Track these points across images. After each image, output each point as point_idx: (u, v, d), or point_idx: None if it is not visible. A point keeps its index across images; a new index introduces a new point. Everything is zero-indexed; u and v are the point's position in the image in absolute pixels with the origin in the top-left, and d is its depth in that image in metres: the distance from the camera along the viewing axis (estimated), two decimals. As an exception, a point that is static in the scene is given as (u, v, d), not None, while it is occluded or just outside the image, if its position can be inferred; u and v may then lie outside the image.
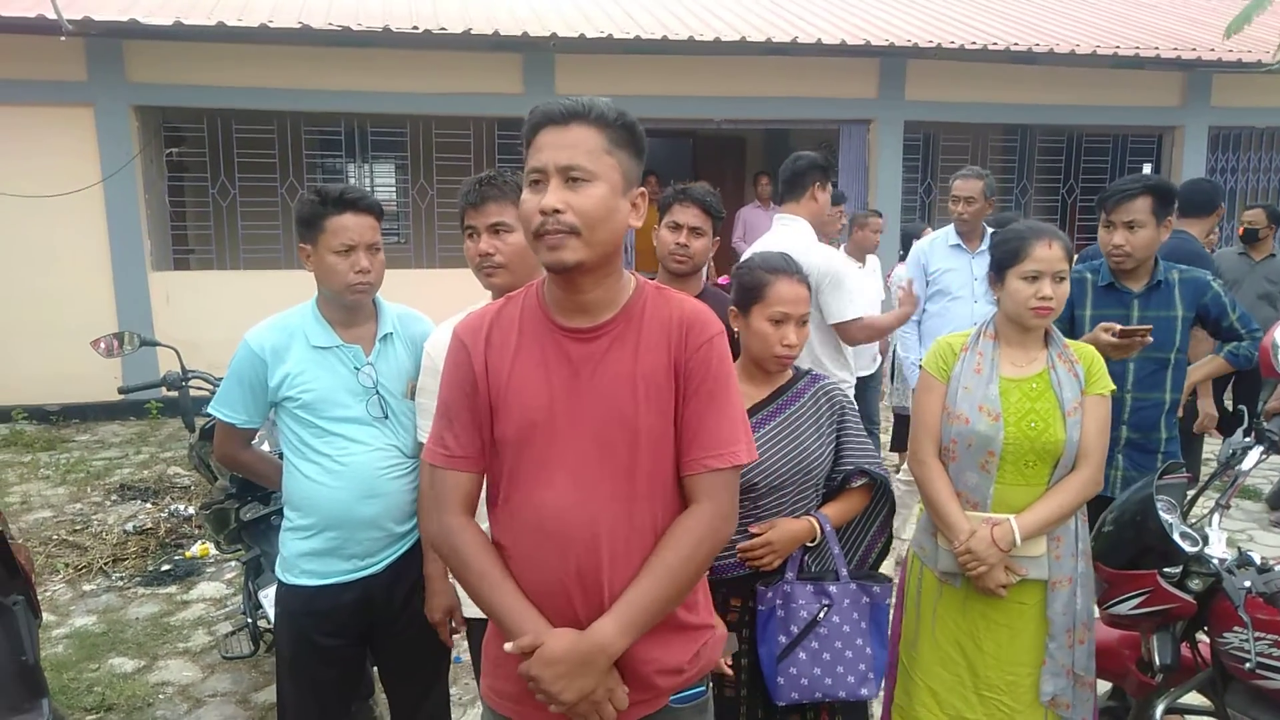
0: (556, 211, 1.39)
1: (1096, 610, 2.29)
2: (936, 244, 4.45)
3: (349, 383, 2.15)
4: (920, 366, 2.42)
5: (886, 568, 2.50)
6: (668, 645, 1.55)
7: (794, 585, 2.15)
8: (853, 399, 2.32)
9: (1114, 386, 2.33)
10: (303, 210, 2.15)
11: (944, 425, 2.29)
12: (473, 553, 1.50)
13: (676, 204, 2.76)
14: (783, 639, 2.13)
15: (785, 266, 2.18)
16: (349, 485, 2.13)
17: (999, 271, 2.31)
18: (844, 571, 2.19)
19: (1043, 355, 2.30)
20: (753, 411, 2.16)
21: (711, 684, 2.17)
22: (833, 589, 2.16)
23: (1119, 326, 2.64)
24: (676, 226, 2.73)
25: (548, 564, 1.48)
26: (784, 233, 3.33)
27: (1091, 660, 2.28)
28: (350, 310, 2.19)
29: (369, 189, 9.85)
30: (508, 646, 1.45)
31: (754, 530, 2.14)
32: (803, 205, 3.39)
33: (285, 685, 2.30)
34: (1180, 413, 2.90)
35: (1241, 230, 5.26)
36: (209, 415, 2.28)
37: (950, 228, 4.43)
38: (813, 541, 2.17)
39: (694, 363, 1.50)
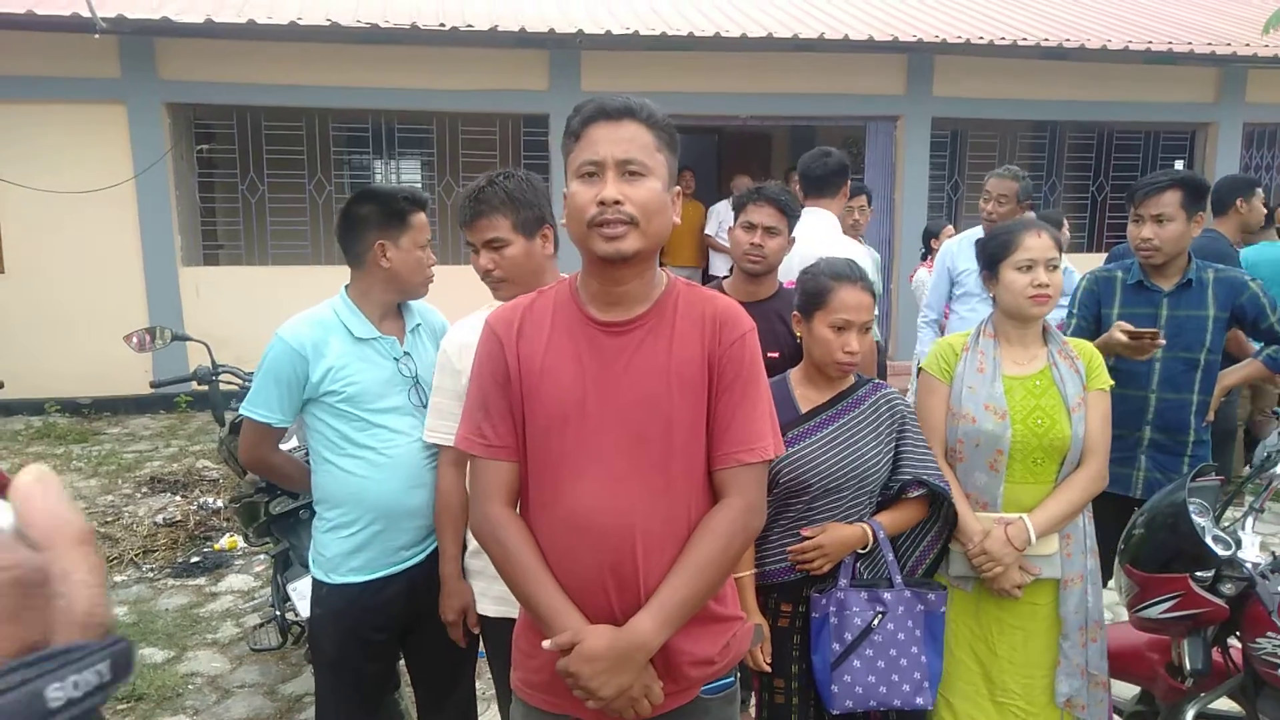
0: (616, 203, 1.41)
1: (1113, 613, 2.26)
2: (964, 244, 4.35)
3: (391, 373, 2.18)
4: (920, 369, 2.40)
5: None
6: (698, 637, 1.56)
7: (847, 592, 2.13)
8: (914, 408, 2.30)
9: (1112, 381, 2.34)
10: (383, 206, 2.19)
11: (949, 426, 2.28)
12: (515, 546, 1.51)
13: (751, 204, 2.74)
14: (836, 646, 2.11)
15: (849, 273, 2.16)
16: (396, 476, 2.15)
17: (992, 267, 2.32)
18: (898, 579, 2.16)
19: (1043, 352, 2.31)
20: (813, 414, 2.16)
21: (762, 689, 2.20)
22: (887, 596, 2.13)
23: (1130, 327, 2.62)
24: (751, 226, 2.71)
25: (582, 559, 1.49)
26: (812, 220, 3.33)
27: (1104, 659, 2.28)
28: (387, 305, 2.23)
29: (396, 184, 9.97)
30: (546, 644, 1.47)
31: (805, 534, 2.12)
32: (835, 202, 3.41)
33: (328, 685, 2.29)
34: (1211, 415, 2.85)
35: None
36: (244, 414, 2.26)
37: (979, 228, 4.34)
38: (864, 548, 2.14)
39: (727, 358, 1.52)
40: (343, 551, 2.18)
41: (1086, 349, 2.35)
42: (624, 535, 1.47)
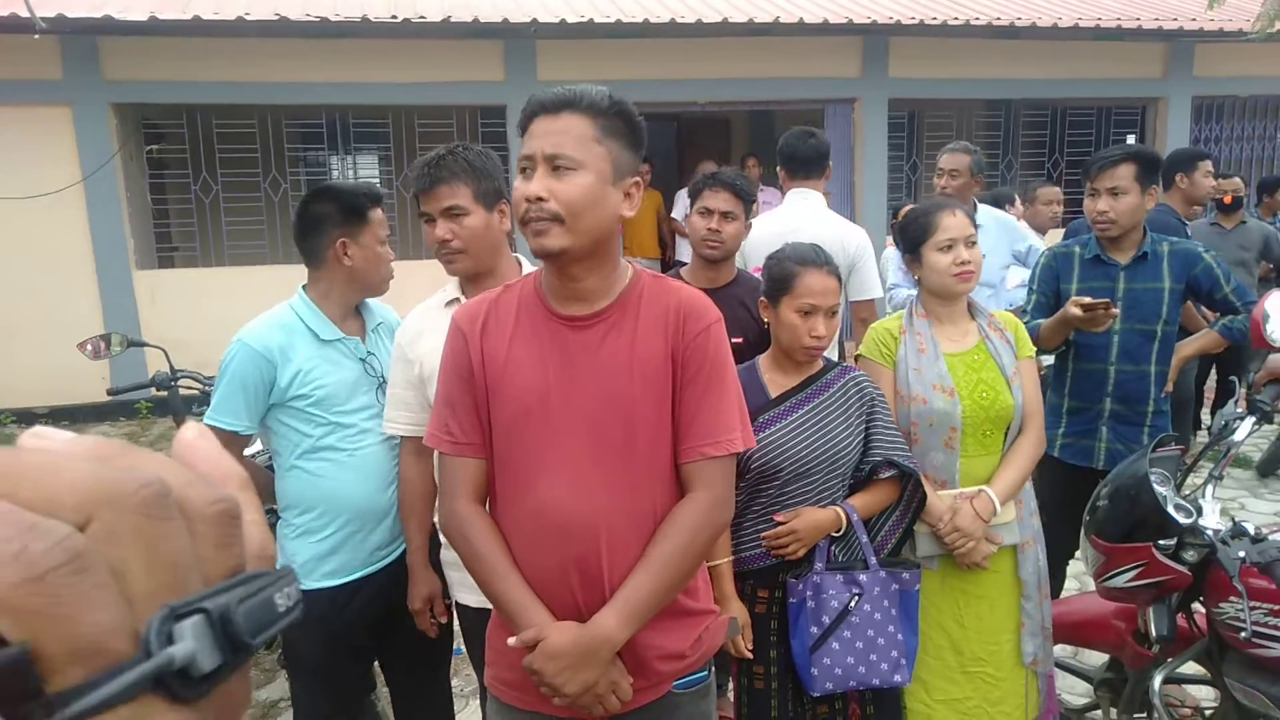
0: (540, 199, 1.40)
1: (1080, 583, 2.31)
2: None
3: (357, 374, 2.16)
4: (860, 356, 2.42)
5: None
6: (668, 631, 1.55)
7: (823, 575, 2.14)
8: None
9: (1034, 350, 2.41)
10: (345, 204, 2.14)
11: (899, 409, 2.31)
12: (482, 542, 1.51)
13: (707, 189, 2.73)
14: (814, 630, 2.12)
15: (815, 258, 2.15)
16: (365, 477, 2.13)
17: (914, 250, 2.36)
18: (873, 560, 2.17)
19: (973, 327, 2.37)
20: (782, 399, 2.17)
21: (741, 675, 2.21)
22: (863, 578, 2.15)
23: (1085, 300, 2.67)
24: (708, 212, 2.70)
25: (546, 554, 1.49)
26: (802, 201, 3.35)
27: (1050, 614, 2.40)
28: (348, 304, 2.20)
29: (353, 180, 9.82)
30: (511, 641, 1.46)
31: (778, 519, 2.13)
32: (821, 183, 3.43)
33: (306, 692, 2.25)
34: (1170, 386, 2.91)
35: (1229, 199, 5.28)
36: (209, 424, 2.20)
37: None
38: (838, 532, 2.16)
39: (691, 350, 1.51)
40: (315, 555, 2.14)
41: (1010, 319, 2.41)
42: (588, 531, 1.46)
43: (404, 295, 2.41)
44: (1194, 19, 8.76)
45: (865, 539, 2.18)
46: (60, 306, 7.28)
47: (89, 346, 3.58)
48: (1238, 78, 9.35)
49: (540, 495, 1.49)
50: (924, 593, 2.30)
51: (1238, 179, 5.53)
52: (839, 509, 2.15)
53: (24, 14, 6.20)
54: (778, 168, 3.50)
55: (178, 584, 0.32)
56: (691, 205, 2.79)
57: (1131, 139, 9.22)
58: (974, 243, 2.30)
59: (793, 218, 3.26)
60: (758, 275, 2.84)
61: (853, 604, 2.12)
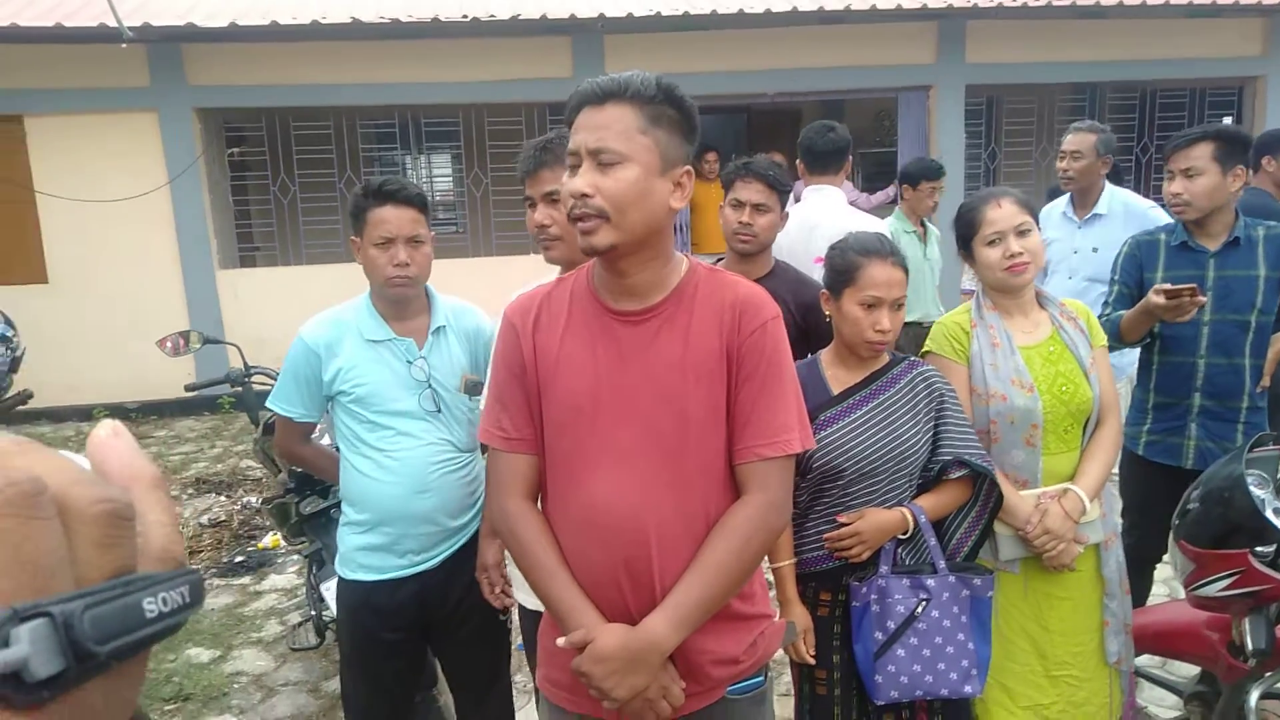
0: (585, 196, 1.36)
1: (1169, 588, 2.17)
2: (1053, 211, 4.01)
3: (402, 376, 2.12)
4: (929, 352, 2.31)
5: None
6: (722, 636, 1.51)
7: (889, 579, 2.05)
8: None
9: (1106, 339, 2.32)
10: (350, 204, 2.16)
11: (977, 407, 2.21)
12: (531, 540, 1.48)
13: (738, 180, 2.65)
14: (879, 635, 2.03)
15: (879, 248, 2.06)
16: (402, 480, 2.11)
17: (966, 247, 2.28)
18: (942, 564, 2.07)
19: (1045, 318, 2.27)
20: (845, 395, 2.08)
21: (803, 680, 2.14)
22: (930, 582, 2.05)
23: (1168, 286, 2.52)
24: (739, 204, 2.62)
25: (596, 555, 1.45)
26: (820, 198, 3.28)
27: (1130, 611, 2.33)
28: (401, 303, 2.14)
29: (425, 180, 9.98)
30: (559, 641, 1.43)
31: (841, 520, 2.05)
32: (838, 178, 3.36)
33: (348, 679, 2.31)
34: (1267, 381, 2.72)
35: None
36: (269, 408, 2.29)
37: (1063, 198, 4.01)
38: (905, 534, 2.06)
39: (747, 348, 1.45)
40: (355, 547, 2.18)
41: (1081, 308, 2.33)
42: (638, 531, 1.42)
43: (476, 293, 2.40)
44: (1297, -8, 8.27)
45: (934, 542, 2.07)
46: (148, 306, 7.56)
47: (168, 344, 3.70)
48: (1346, 53, 8.79)
49: (590, 494, 1.45)
50: (1006, 596, 2.22)
51: None
52: (906, 510, 2.05)
53: (112, 24, 6.45)
54: (797, 161, 3.44)
55: (39, 585, 0.31)
56: (725, 196, 2.71)
57: (1228, 121, 8.76)
58: (1026, 231, 2.18)
59: (811, 213, 3.19)
60: (796, 269, 2.76)
61: (919, 610, 2.03)
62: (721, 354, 1.46)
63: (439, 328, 2.19)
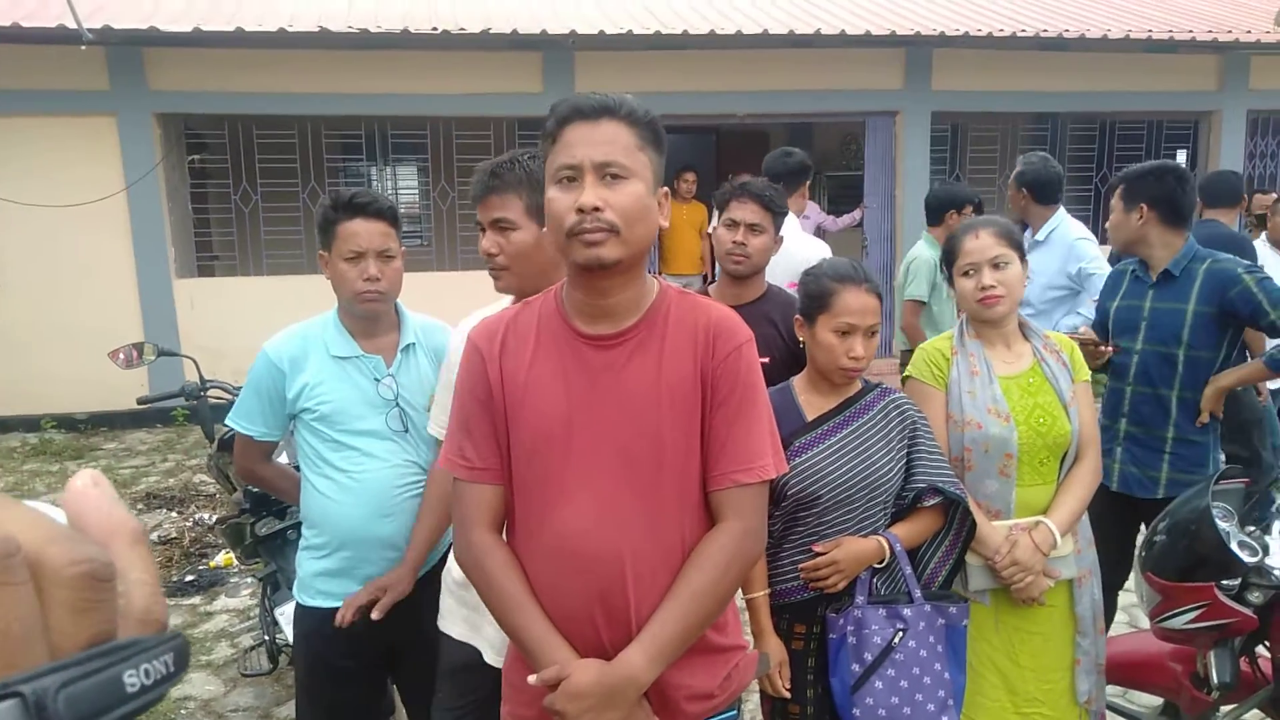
0: (596, 209, 1.32)
1: (1129, 615, 2.18)
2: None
3: (369, 394, 2.06)
4: (908, 376, 2.31)
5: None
6: (696, 670, 1.47)
7: (865, 610, 2.01)
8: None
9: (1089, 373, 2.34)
10: (318, 216, 2.08)
11: (953, 434, 2.20)
12: (500, 574, 1.42)
13: (734, 200, 2.61)
14: (856, 668, 1.99)
15: (853, 275, 2.04)
16: (363, 502, 2.05)
17: (949, 276, 2.32)
18: (918, 593, 2.04)
19: (1027, 349, 2.27)
20: (819, 422, 2.06)
21: (774, 714, 2.10)
22: (907, 612, 2.02)
23: (1082, 334, 2.73)
24: (733, 224, 2.58)
25: (569, 588, 1.40)
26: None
27: (1104, 650, 2.30)
28: (369, 319, 2.09)
29: (391, 192, 9.88)
30: (532, 679, 1.38)
31: (818, 549, 2.01)
32: (794, 202, 3.44)
33: (304, 706, 2.23)
34: (1205, 417, 2.71)
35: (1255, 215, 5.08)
36: (228, 425, 2.21)
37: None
38: (881, 563, 2.03)
39: (721, 372, 1.42)
40: (313, 572, 2.11)
41: (1065, 341, 2.33)
42: (613, 563, 1.38)
43: (441, 307, 2.34)
44: (1249, 30, 8.50)
45: (909, 570, 2.05)
46: (101, 313, 7.37)
47: (120, 355, 3.58)
48: (1296, 91, 9.06)
49: (562, 525, 1.40)
50: (977, 629, 2.19)
51: (1274, 194, 5.32)
52: (881, 538, 2.03)
53: (71, 25, 6.31)
54: None
55: (8, 659, 0.29)
56: (719, 216, 2.69)
57: (1182, 154, 8.96)
58: (1003, 263, 2.18)
59: None
60: (791, 290, 2.75)
61: (896, 640, 2.00)
62: (696, 378, 1.42)
63: (409, 345, 2.13)
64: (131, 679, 0.31)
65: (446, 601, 2.01)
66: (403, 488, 2.08)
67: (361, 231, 2.00)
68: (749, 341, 1.47)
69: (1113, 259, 3.71)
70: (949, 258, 2.28)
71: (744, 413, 1.43)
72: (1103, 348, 2.64)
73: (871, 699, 1.98)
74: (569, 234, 1.35)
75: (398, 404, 2.08)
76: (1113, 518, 2.90)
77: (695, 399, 1.42)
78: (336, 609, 2.06)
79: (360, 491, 2.04)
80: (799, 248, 3.21)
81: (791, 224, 3.36)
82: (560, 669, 1.34)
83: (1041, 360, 2.24)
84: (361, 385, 2.07)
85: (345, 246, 2.00)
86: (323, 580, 2.10)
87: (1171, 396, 2.72)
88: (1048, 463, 2.19)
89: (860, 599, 2.02)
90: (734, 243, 2.56)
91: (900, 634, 2.01)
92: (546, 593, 1.42)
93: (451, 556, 1.98)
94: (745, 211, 2.57)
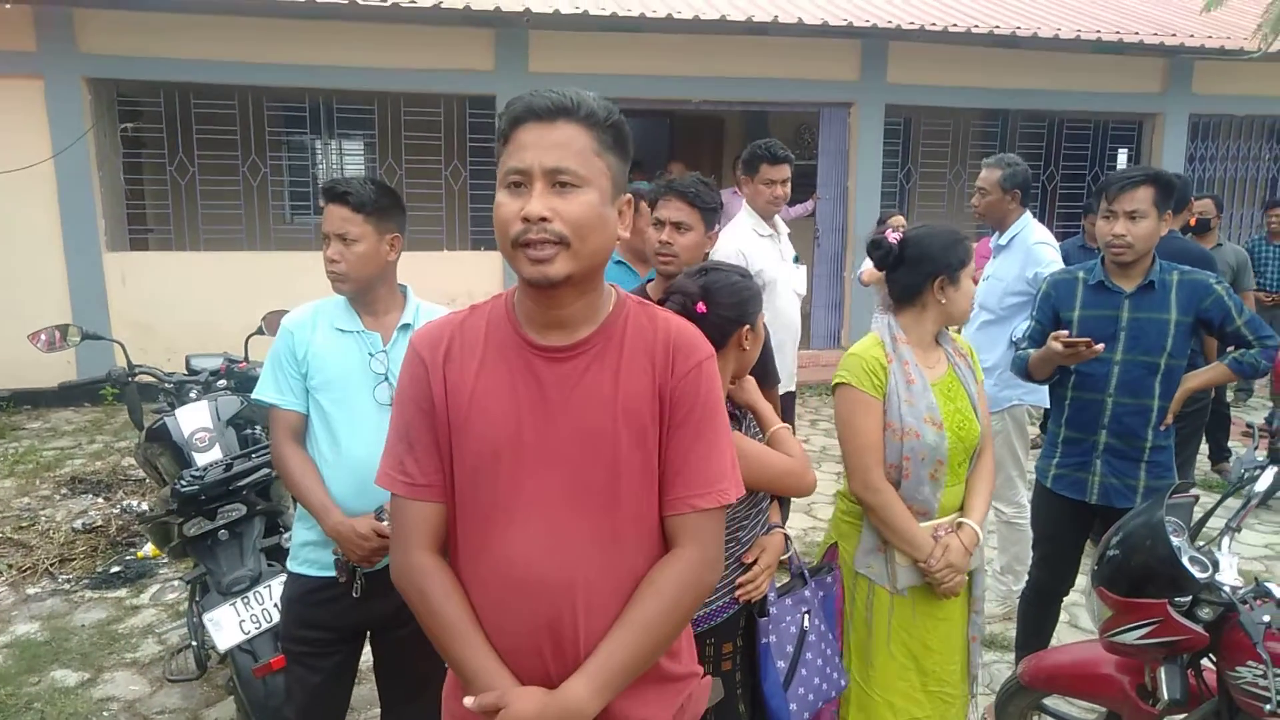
0: (543, 219, 1.22)
1: (1069, 613, 2.18)
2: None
3: (362, 367, 2.14)
4: (841, 384, 2.26)
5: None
6: (648, 700, 1.39)
7: (776, 604, 2.06)
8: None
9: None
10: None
11: (890, 443, 2.19)
12: (440, 598, 1.33)
13: (660, 199, 2.58)
14: (781, 665, 2.01)
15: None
16: (344, 478, 2.10)
17: (952, 276, 2.26)
18: (805, 571, 2.14)
19: (940, 353, 2.31)
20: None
21: None
22: (806, 593, 2.11)
23: (1065, 336, 2.61)
24: (660, 224, 2.55)
25: (515, 615, 1.31)
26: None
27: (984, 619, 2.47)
28: (371, 298, 2.19)
29: (336, 167, 9.59)
30: (467, 702, 1.29)
31: (747, 560, 2.01)
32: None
33: (289, 678, 2.27)
34: (1169, 420, 2.75)
35: (1194, 221, 5.17)
36: (246, 402, 2.25)
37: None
38: (786, 553, 2.10)
39: (681, 390, 1.34)
40: (301, 541, 2.19)
41: (965, 343, 2.40)
42: (563, 590, 1.29)
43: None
44: (1193, 35, 8.68)
45: (794, 550, 2.17)
46: (26, 287, 7.04)
47: (42, 337, 3.39)
48: (1235, 96, 9.28)
49: (509, 548, 1.32)
50: (899, 620, 2.26)
51: (1209, 200, 5.43)
52: (778, 528, 2.10)
53: (-6, -18, 5.96)
54: (735, 171, 3.59)
55: None
56: (651, 215, 2.65)
57: (1123, 155, 9.11)
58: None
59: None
60: None
61: (806, 623, 2.08)
62: (653, 395, 1.34)
63: (405, 325, 2.21)
64: None
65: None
66: None
67: (328, 215, 2.14)
68: (710, 358, 1.39)
69: (1067, 259, 3.71)
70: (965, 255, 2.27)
71: (704, 434, 1.35)
72: (1096, 348, 2.56)
73: (802, 688, 2.05)
74: (514, 244, 1.25)
75: (387, 379, 2.14)
76: (1061, 525, 2.93)
77: (652, 417, 1.34)
78: (322, 577, 2.14)
79: (343, 467, 2.11)
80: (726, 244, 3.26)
81: (739, 221, 3.35)
82: (500, 696, 1.26)
83: (954, 365, 2.29)
84: (357, 358, 2.16)
85: (325, 226, 2.15)
86: (310, 550, 2.17)
87: (1152, 405, 2.71)
88: (963, 464, 2.27)
89: (771, 595, 2.05)
90: (660, 241, 2.53)
91: (805, 615, 2.09)
92: (490, 621, 1.33)
93: None
94: (670, 210, 2.54)
